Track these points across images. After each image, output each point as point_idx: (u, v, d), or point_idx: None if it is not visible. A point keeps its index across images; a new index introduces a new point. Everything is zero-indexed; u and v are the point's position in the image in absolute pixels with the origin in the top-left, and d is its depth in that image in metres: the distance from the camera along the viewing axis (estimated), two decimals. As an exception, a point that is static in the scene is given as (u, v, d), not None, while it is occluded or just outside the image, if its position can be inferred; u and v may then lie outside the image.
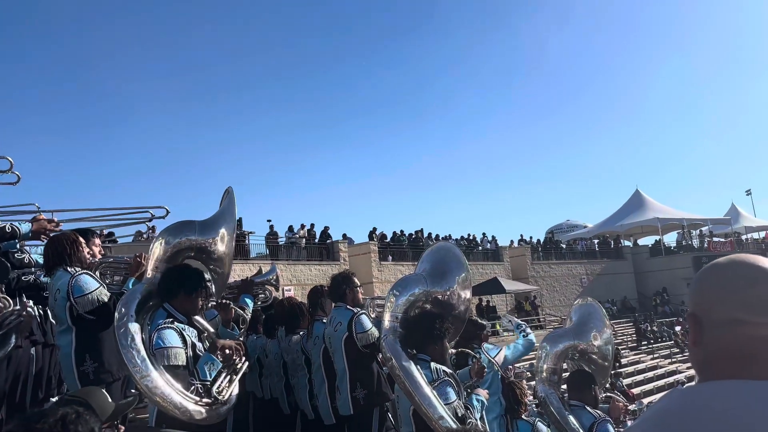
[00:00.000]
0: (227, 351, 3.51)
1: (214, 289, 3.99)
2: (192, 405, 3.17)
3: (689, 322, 1.25)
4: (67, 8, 61.63)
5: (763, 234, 47.33)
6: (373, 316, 5.25)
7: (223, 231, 3.91)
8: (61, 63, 59.94)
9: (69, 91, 61.35)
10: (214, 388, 3.32)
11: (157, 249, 3.78)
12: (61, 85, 60.92)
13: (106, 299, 3.99)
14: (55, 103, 60.73)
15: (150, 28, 63.79)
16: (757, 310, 1.15)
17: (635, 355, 29.54)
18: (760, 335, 1.14)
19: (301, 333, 5.52)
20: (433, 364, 3.84)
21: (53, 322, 4.53)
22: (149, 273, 3.76)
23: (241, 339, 4.56)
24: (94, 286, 4.01)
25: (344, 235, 28.14)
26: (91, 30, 62.22)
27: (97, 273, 4.36)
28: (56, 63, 59.80)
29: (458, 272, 4.39)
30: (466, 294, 4.41)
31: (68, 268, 4.06)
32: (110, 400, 1.96)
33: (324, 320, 5.17)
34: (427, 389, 3.68)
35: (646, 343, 31.27)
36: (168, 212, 6.18)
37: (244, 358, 3.64)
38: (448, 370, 3.89)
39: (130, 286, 4.09)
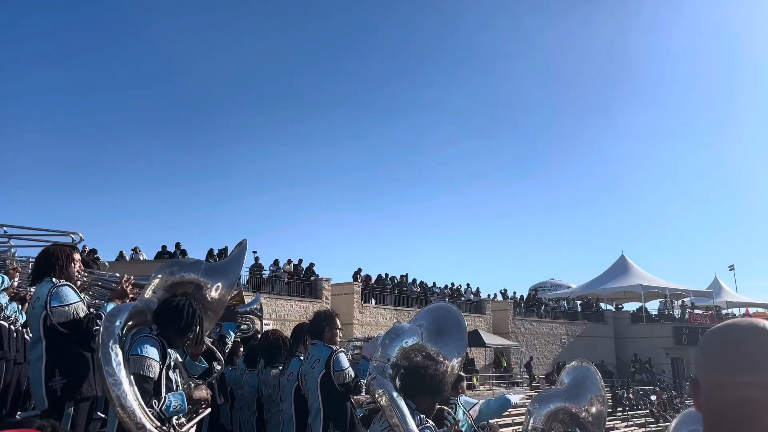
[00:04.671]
0: (198, 402, 3.55)
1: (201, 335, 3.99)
2: (150, 426, 3.16)
3: (691, 387, 1.27)
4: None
5: (743, 310, 47.64)
6: (349, 357, 5.23)
7: (220, 283, 3.97)
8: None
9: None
10: (175, 420, 3.32)
11: (159, 277, 3.82)
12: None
13: (82, 315, 3.95)
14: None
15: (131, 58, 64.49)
16: (734, 370, 1.15)
17: (610, 421, 29.23)
18: (742, 397, 1.13)
19: (280, 367, 5.48)
20: (416, 413, 3.82)
21: (26, 339, 4.49)
22: (147, 294, 3.76)
23: (216, 377, 4.52)
24: (73, 299, 3.98)
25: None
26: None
27: (83, 293, 4.33)
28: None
29: (459, 343, 4.45)
30: (458, 364, 4.48)
31: (53, 279, 4.03)
32: None
33: (302, 357, 5.14)
34: (412, 424, 3.70)
35: (621, 409, 31.02)
36: (81, 239, 6.22)
37: (209, 408, 3.67)
38: (431, 423, 3.88)
39: (107, 310, 4.05)
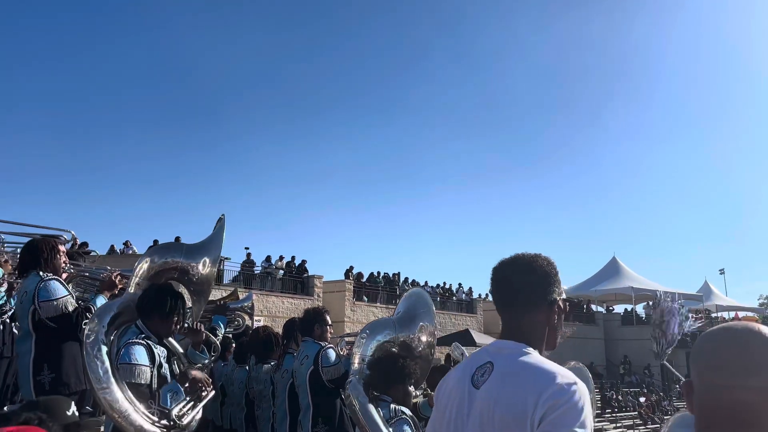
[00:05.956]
0: (196, 383, 3.50)
1: (192, 313, 3.99)
2: (149, 425, 3.14)
3: (684, 389, 1.28)
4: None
5: (733, 314, 47.93)
6: (343, 353, 5.25)
7: (206, 258, 3.95)
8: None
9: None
10: (175, 412, 3.29)
11: (143, 266, 3.78)
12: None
13: (70, 309, 3.92)
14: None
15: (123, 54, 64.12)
16: (728, 373, 1.16)
17: (599, 422, 29.37)
18: (735, 400, 1.14)
19: (272, 363, 5.48)
20: (392, 405, 3.88)
21: (15, 332, 4.46)
22: (131, 289, 3.74)
23: (211, 365, 4.52)
24: (62, 293, 3.94)
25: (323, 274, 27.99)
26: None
27: (71, 285, 4.31)
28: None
29: (424, 317, 4.49)
30: (430, 338, 4.52)
31: (41, 272, 3.99)
32: (73, 412, 1.99)
33: (295, 354, 5.15)
34: (384, 428, 3.75)
35: (610, 411, 31.17)
36: (74, 237, 6.19)
37: (209, 388, 3.62)
38: (408, 412, 3.91)
39: (97, 304, 4.03)
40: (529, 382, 1.59)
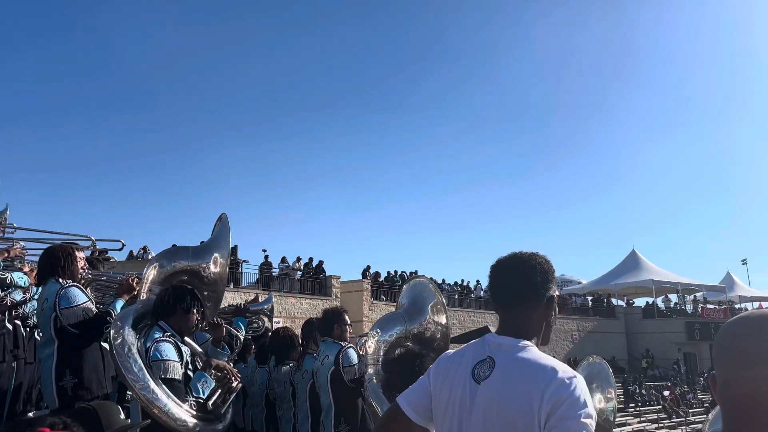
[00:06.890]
0: (221, 370, 3.56)
1: (207, 313, 4.04)
2: (191, 419, 3.19)
3: (709, 382, 1.26)
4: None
5: (756, 305, 47.27)
6: (362, 352, 5.26)
7: (216, 255, 4.01)
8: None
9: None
10: (210, 403, 3.34)
11: (152, 272, 3.84)
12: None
13: (91, 315, 3.96)
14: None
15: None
16: (744, 365, 1.13)
17: (622, 417, 29.10)
18: (752, 392, 1.11)
19: (291, 364, 5.50)
20: None
21: (38, 338, 4.52)
22: (143, 295, 3.79)
23: (231, 363, 4.58)
24: (82, 299, 3.99)
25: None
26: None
27: (88, 289, 4.36)
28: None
29: (430, 300, 4.45)
30: (441, 319, 4.44)
31: (60, 280, 4.04)
32: (122, 416, 2.06)
33: (315, 354, 5.17)
34: None
35: (633, 405, 30.89)
36: (93, 243, 6.26)
37: (238, 379, 3.70)
38: None
39: (117, 308, 4.08)
40: (532, 378, 1.67)
